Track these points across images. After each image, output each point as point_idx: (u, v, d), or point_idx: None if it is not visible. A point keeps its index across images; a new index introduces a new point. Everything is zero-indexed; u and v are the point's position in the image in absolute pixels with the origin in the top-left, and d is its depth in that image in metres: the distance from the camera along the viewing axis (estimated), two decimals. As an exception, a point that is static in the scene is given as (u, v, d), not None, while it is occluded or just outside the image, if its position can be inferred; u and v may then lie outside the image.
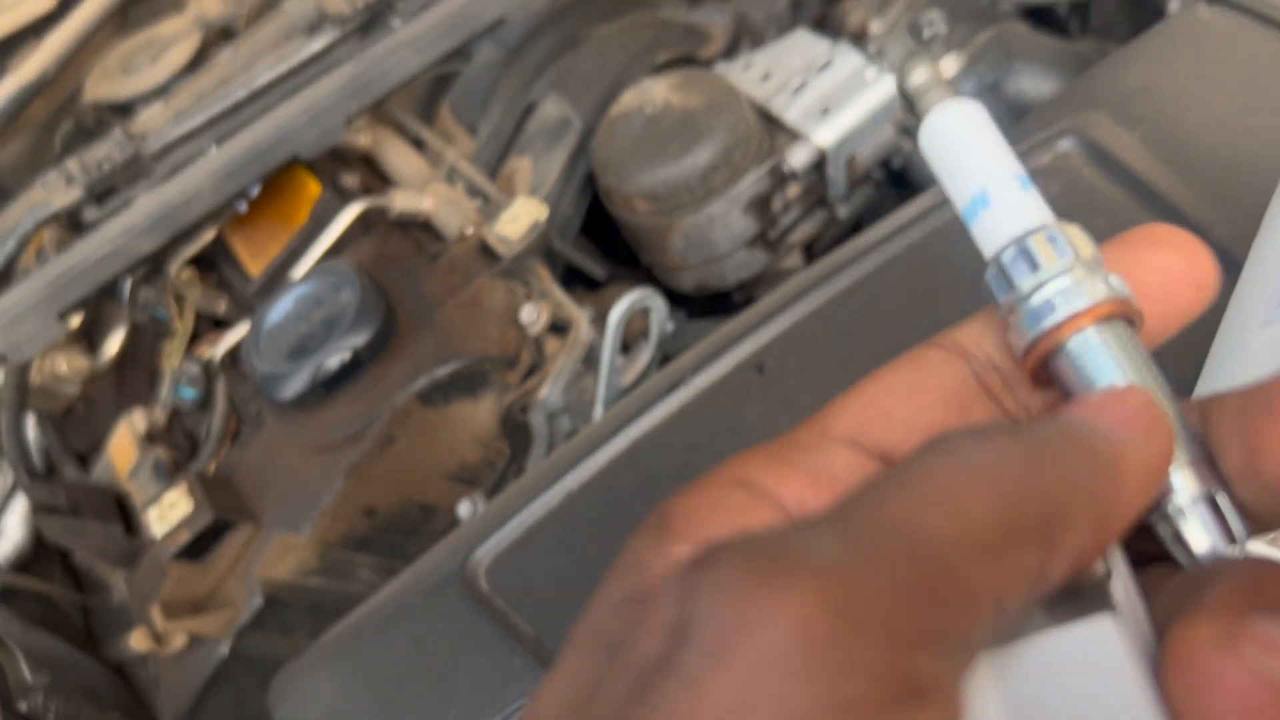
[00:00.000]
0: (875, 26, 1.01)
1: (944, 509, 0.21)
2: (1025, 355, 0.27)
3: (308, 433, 0.81)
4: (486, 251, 0.88)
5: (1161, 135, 0.78)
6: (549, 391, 0.86)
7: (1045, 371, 0.27)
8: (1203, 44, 0.84)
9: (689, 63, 1.06)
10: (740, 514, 0.25)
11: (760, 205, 0.93)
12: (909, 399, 0.28)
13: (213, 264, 1.02)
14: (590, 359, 0.89)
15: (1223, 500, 0.25)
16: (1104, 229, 0.29)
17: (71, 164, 0.97)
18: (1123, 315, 0.26)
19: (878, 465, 0.27)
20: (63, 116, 1.18)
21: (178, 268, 0.97)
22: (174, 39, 1.14)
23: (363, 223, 0.92)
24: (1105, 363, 0.26)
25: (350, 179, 1.00)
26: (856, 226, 1.00)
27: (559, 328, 0.88)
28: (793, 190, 0.93)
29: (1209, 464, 0.25)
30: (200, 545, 0.81)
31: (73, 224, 0.98)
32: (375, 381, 0.81)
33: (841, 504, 0.22)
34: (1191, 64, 0.83)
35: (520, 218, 0.87)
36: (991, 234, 0.28)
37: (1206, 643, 0.21)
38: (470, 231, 0.90)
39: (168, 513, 0.82)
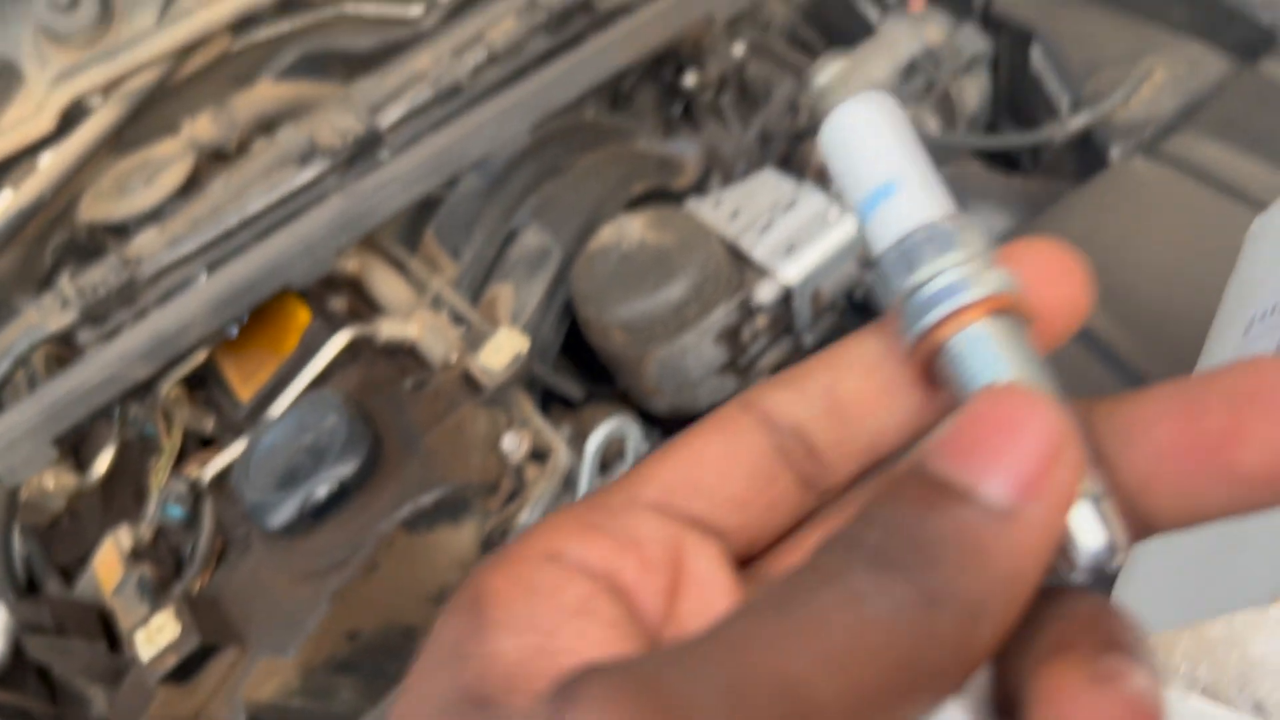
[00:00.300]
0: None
1: (836, 670, 0.21)
2: (911, 354, 0.27)
3: (295, 559, 0.84)
4: (470, 381, 0.92)
5: (1103, 283, 0.83)
6: (528, 516, 0.90)
7: (932, 371, 0.27)
8: (1140, 195, 0.90)
9: (664, 193, 1.11)
10: (555, 593, 0.25)
11: (730, 336, 0.98)
12: (717, 470, 0.28)
13: (202, 382, 1.06)
14: (569, 481, 0.93)
15: (1108, 506, 0.24)
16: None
17: (67, 287, 1.01)
18: (1012, 310, 0.26)
19: (685, 531, 0.27)
20: (54, 230, 1.22)
21: (168, 387, 1.00)
22: (168, 161, 1.18)
23: (350, 349, 0.96)
24: (991, 359, 0.25)
25: (338, 303, 1.04)
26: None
27: (539, 454, 0.92)
28: (761, 321, 0.98)
29: (1097, 465, 0.25)
30: (186, 668, 0.83)
31: (65, 345, 1.02)
32: (361, 509, 0.84)
33: (724, 637, 0.21)
34: (1130, 214, 0.89)
35: (503, 349, 0.91)
36: (885, 228, 0.27)
37: (1078, 684, 0.22)
38: (454, 359, 0.94)
39: (155, 635, 0.84)
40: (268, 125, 1.23)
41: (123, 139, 1.23)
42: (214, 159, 1.20)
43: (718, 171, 1.16)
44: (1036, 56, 1.09)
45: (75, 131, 1.15)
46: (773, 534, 0.29)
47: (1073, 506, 0.23)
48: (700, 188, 1.15)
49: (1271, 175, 0.88)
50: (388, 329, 0.96)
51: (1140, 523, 0.25)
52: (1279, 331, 0.58)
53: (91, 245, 1.17)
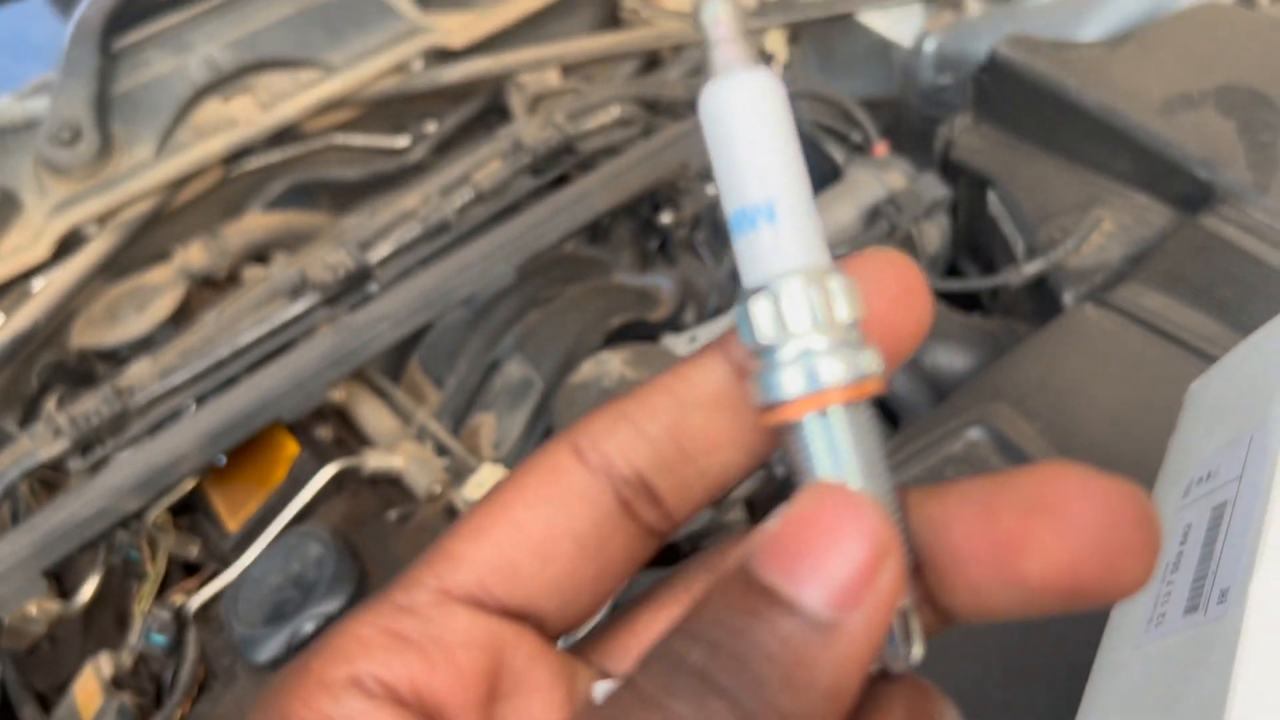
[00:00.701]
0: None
1: None
2: (757, 414, 0.26)
3: (280, 693, 0.86)
4: (453, 514, 0.95)
5: (1057, 429, 0.89)
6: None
7: (777, 433, 0.26)
8: (1092, 343, 0.96)
9: (641, 325, 1.16)
10: None
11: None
12: (542, 546, 0.26)
13: (188, 507, 1.08)
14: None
15: (912, 618, 0.25)
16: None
17: (59, 416, 1.03)
18: (862, 396, 0.25)
19: (504, 626, 0.26)
20: (42, 352, 1.24)
21: (155, 514, 1.02)
22: (159, 288, 1.22)
23: (336, 480, 0.99)
24: (833, 450, 0.25)
25: (324, 431, 1.07)
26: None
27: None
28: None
29: (913, 572, 0.25)
30: (168, 801, 0.85)
31: (55, 472, 1.04)
32: (347, 643, 0.86)
33: None
34: (1082, 361, 0.94)
35: (486, 483, 0.95)
36: (757, 259, 0.26)
37: None
38: (439, 492, 0.97)
39: (138, 769, 0.85)
40: (258, 253, 1.28)
41: (115, 263, 1.26)
42: (205, 286, 1.24)
43: (692, 304, 1.21)
44: (993, 202, 1.16)
45: (71, 259, 1.18)
46: (607, 593, 0.28)
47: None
48: (676, 319, 1.19)
49: (1212, 325, 0.93)
50: (374, 461, 0.99)
51: (940, 615, 0.26)
52: (1213, 499, 0.62)
53: (81, 370, 1.20)
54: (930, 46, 1.28)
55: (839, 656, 0.22)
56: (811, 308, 0.25)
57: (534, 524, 0.26)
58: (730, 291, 1.20)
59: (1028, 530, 0.24)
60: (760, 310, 0.25)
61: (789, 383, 0.25)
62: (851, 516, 0.23)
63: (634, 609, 0.30)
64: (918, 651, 0.25)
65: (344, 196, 1.34)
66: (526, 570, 0.26)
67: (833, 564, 0.22)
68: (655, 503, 0.27)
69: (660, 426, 0.27)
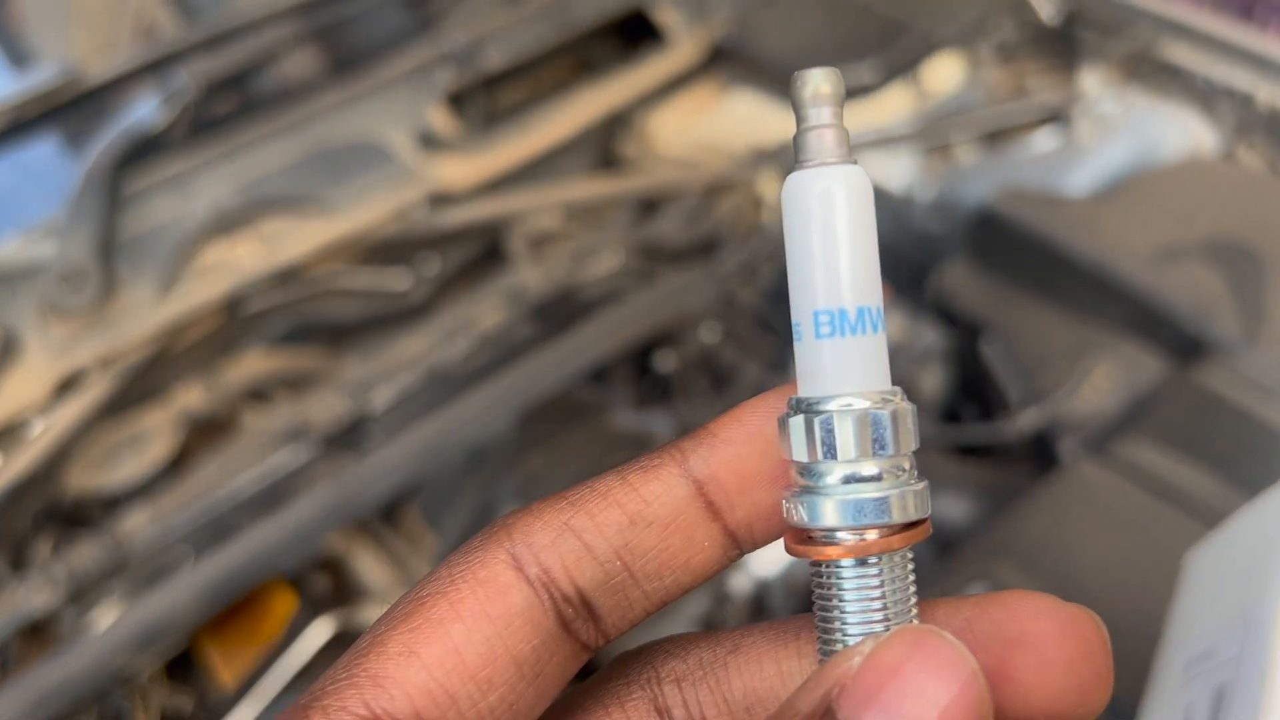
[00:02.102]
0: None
1: None
2: (791, 534, 0.25)
3: None
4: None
5: (1059, 587, 0.89)
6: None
7: (793, 549, 0.26)
8: (1091, 501, 0.96)
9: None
10: None
11: (705, 621, 1.01)
12: (478, 674, 0.24)
13: (181, 660, 1.06)
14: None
15: None
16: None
17: (55, 566, 1.02)
18: (908, 543, 0.25)
19: None
20: (33, 492, 1.24)
21: (148, 668, 1.01)
22: (157, 430, 1.22)
23: (334, 639, 0.98)
24: (862, 596, 0.24)
25: (321, 581, 1.06)
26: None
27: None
28: (733, 610, 1.02)
29: None
30: None
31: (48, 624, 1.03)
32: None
33: None
34: (1082, 520, 0.95)
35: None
36: (826, 372, 0.25)
37: None
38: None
39: None
40: (257, 394, 1.28)
41: (112, 403, 1.26)
42: (204, 427, 1.24)
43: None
44: (987, 349, 1.17)
45: (70, 403, 1.18)
46: (536, 715, 0.26)
47: None
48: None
49: (1208, 482, 0.94)
50: (372, 617, 0.98)
51: None
52: (1213, 678, 0.62)
53: (76, 514, 1.19)
54: (923, 194, 1.31)
55: None
56: (874, 436, 0.24)
57: (473, 647, 0.24)
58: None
59: (1008, 664, 0.24)
60: (820, 429, 0.24)
61: (833, 512, 0.24)
62: (945, 666, 0.22)
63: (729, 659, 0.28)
64: None
65: (344, 336, 1.35)
66: (464, 699, 0.24)
67: (931, 706, 0.22)
68: (594, 620, 0.26)
69: (609, 546, 0.26)
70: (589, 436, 1.19)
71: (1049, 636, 0.24)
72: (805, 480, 0.25)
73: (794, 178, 0.25)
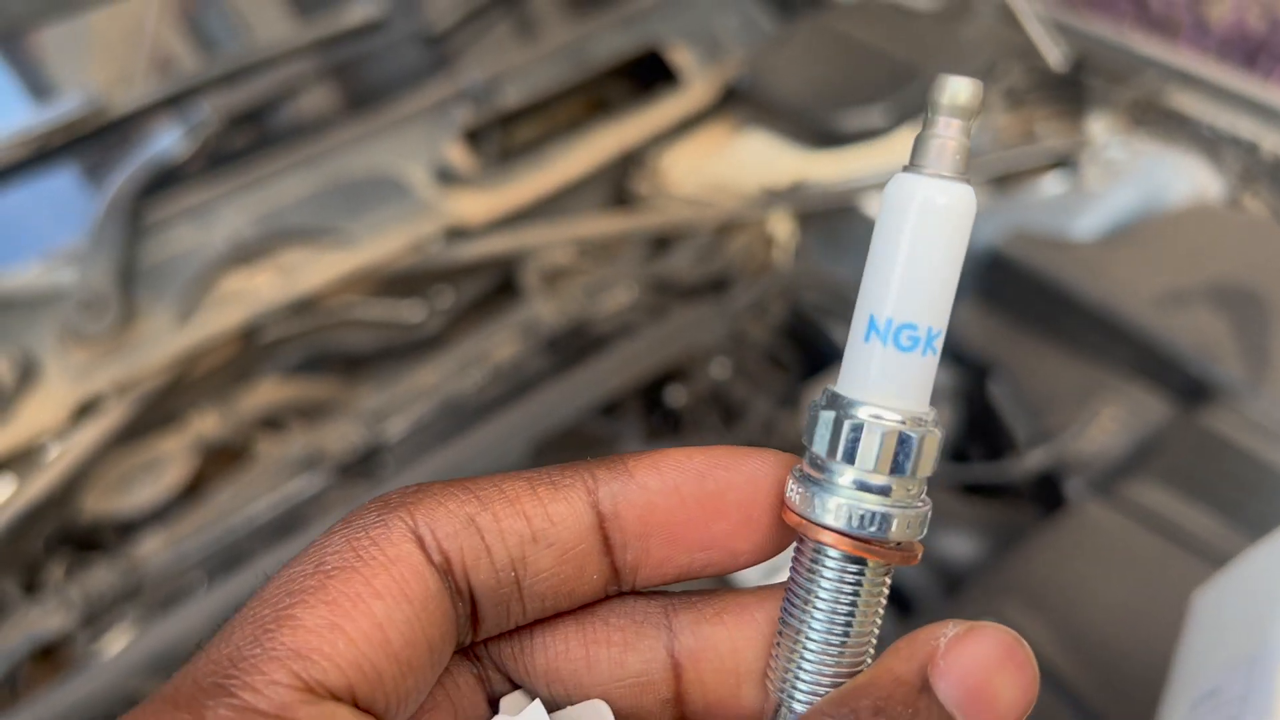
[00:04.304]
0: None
1: None
2: (789, 512, 0.26)
3: None
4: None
5: (1067, 626, 0.89)
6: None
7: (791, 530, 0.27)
8: (1098, 541, 0.97)
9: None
10: None
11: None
12: (401, 654, 0.23)
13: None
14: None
15: None
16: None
17: (71, 590, 1.03)
18: (903, 563, 0.26)
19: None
20: (47, 516, 1.25)
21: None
22: (172, 457, 1.23)
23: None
24: (831, 597, 0.26)
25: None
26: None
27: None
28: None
29: None
30: None
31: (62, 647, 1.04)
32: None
33: None
34: (1089, 560, 0.96)
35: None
36: (873, 377, 0.25)
37: None
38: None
39: None
40: (272, 422, 1.29)
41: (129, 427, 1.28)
42: (219, 455, 1.25)
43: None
44: (995, 389, 1.19)
45: (87, 428, 1.20)
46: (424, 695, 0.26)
47: None
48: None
49: (1213, 523, 0.95)
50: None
51: None
52: (1220, 716, 0.63)
53: (90, 538, 1.20)
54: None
55: None
56: (897, 454, 0.25)
57: (395, 627, 0.23)
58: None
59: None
60: (848, 431, 0.25)
61: (852, 515, 0.25)
62: (1028, 672, 0.24)
63: (536, 628, 0.28)
64: None
65: (359, 365, 1.36)
66: (389, 678, 0.23)
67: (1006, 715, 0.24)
68: (475, 623, 0.26)
69: (508, 554, 0.25)
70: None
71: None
72: (818, 472, 0.26)
73: (901, 178, 0.25)
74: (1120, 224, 1.25)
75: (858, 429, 0.25)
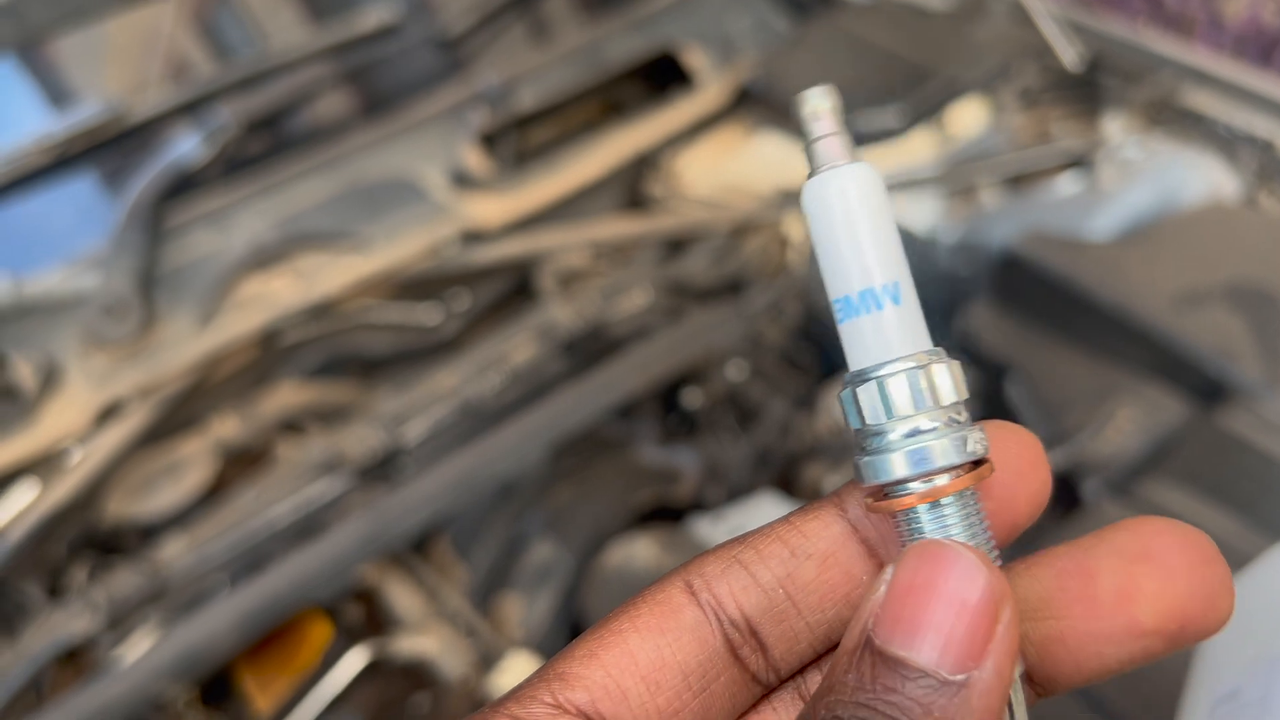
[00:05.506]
0: (829, 481, 1.16)
1: None
2: (867, 498, 0.27)
3: None
4: (480, 702, 0.95)
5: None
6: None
7: (884, 517, 0.27)
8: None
9: (667, 504, 1.18)
10: None
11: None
12: (650, 675, 0.26)
13: (217, 688, 1.08)
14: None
15: (1017, 693, 0.26)
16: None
17: (95, 593, 1.04)
18: (975, 481, 0.26)
19: None
20: (70, 519, 1.26)
21: (183, 695, 1.02)
22: (193, 460, 1.24)
23: (368, 667, 0.99)
24: (946, 531, 0.26)
25: (354, 612, 1.08)
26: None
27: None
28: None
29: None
30: None
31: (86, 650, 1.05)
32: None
33: None
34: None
35: (515, 670, 0.95)
36: (869, 343, 0.26)
37: None
38: (467, 678, 0.98)
39: None
40: (292, 425, 1.30)
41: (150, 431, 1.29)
42: (239, 459, 1.26)
43: (716, 482, 1.23)
44: (1011, 390, 1.19)
45: (109, 432, 1.21)
46: None
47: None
48: (699, 497, 1.21)
49: (1230, 524, 0.95)
50: (405, 646, 1.00)
51: (1037, 688, 0.27)
52: (1240, 718, 0.63)
53: (112, 541, 1.21)
54: (947, 236, 1.33)
55: (977, 710, 0.23)
56: (928, 390, 0.26)
57: (644, 653, 0.27)
58: (756, 471, 1.22)
59: (1135, 580, 0.26)
60: (869, 391, 0.26)
61: (904, 471, 0.26)
62: (958, 572, 0.24)
63: None
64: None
65: (377, 369, 1.37)
66: (635, 696, 0.26)
67: (949, 625, 0.23)
68: (761, 650, 0.28)
69: (772, 575, 0.27)
70: (616, 471, 1.21)
71: (1170, 549, 0.26)
72: (867, 443, 0.27)
73: (809, 184, 0.27)
74: (1136, 224, 1.25)
75: (866, 389, 0.26)
